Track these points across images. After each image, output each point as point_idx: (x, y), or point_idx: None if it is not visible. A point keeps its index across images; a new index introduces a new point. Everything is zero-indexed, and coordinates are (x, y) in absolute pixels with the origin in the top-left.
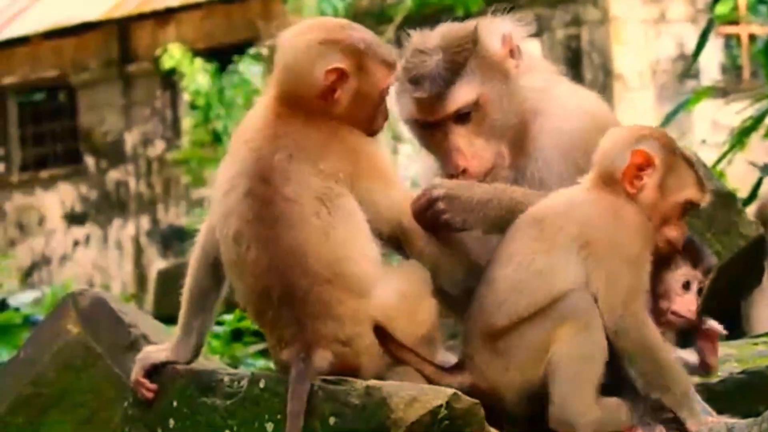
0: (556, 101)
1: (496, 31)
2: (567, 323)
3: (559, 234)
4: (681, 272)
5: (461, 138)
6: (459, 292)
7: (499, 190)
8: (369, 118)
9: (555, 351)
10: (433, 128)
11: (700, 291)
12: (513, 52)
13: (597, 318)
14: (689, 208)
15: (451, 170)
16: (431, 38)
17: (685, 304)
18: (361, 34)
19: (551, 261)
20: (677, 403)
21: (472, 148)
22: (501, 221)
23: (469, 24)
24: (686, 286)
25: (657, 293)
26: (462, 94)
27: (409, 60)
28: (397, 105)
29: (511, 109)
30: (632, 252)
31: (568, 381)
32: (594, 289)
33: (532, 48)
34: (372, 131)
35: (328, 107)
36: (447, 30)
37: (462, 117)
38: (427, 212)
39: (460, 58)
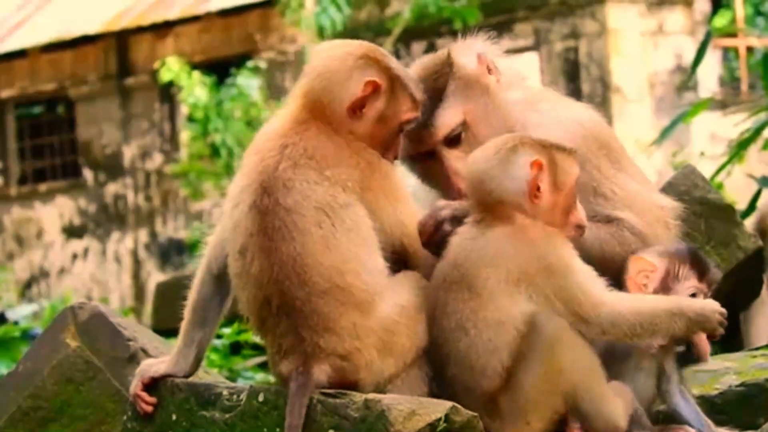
0: (543, 112)
1: (470, 51)
2: (555, 346)
3: (488, 283)
4: (689, 284)
5: (456, 161)
6: None
7: None
8: (384, 145)
9: (564, 376)
10: (427, 158)
11: None
12: (490, 69)
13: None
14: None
15: (453, 194)
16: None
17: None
18: (397, 63)
19: (500, 308)
20: (693, 321)
21: None
22: None
23: (443, 51)
24: (692, 297)
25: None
26: (448, 118)
27: None
28: None
29: (498, 123)
30: (559, 262)
31: (590, 391)
32: (553, 309)
33: (529, 61)
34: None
35: (353, 122)
36: (423, 62)
37: (453, 140)
38: (435, 235)
39: (440, 84)
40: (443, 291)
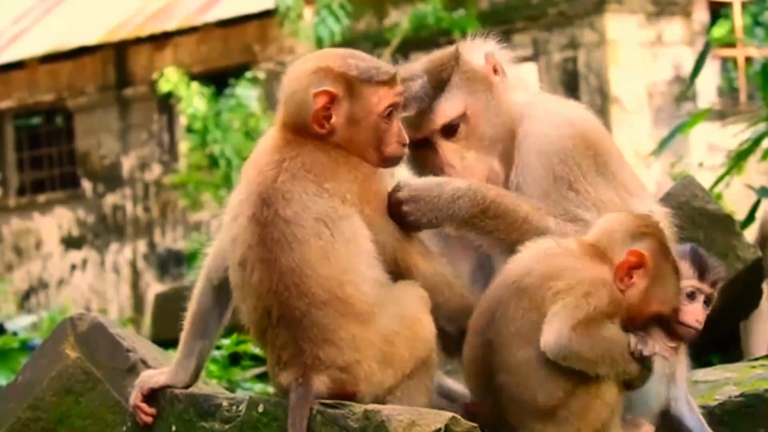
0: (539, 109)
1: (479, 50)
2: None
3: (547, 295)
4: (686, 283)
5: (451, 152)
6: (454, 329)
7: (472, 190)
8: (374, 142)
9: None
10: (423, 146)
11: (708, 302)
12: (496, 70)
13: None
14: (657, 318)
15: None
16: (415, 65)
17: (692, 314)
18: (356, 61)
19: None
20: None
21: (464, 161)
22: (474, 219)
23: (452, 47)
24: (691, 296)
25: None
26: (449, 107)
27: None
28: None
29: (498, 121)
30: (599, 303)
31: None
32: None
33: (528, 71)
34: (386, 157)
35: (328, 133)
36: (431, 55)
37: (450, 131)
38: (393, 214)
39: (444, 75)
40: (508, 294)
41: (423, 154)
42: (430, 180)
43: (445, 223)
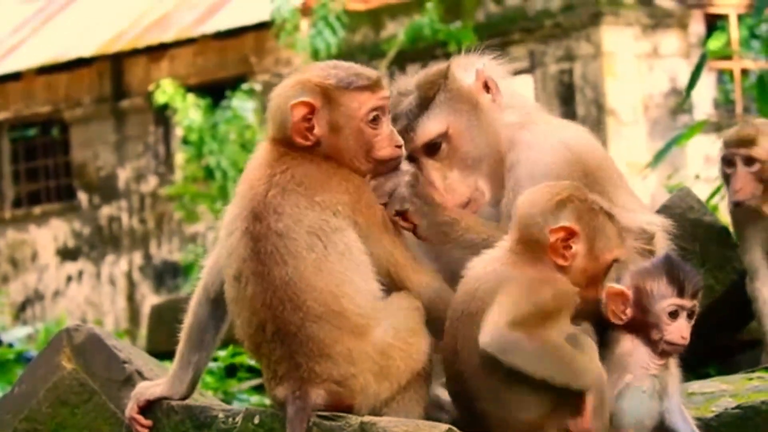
0: (533, 133)
1: (470, 66)
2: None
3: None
4: (667, 302)
5: (434, 171)
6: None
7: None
8: (363, 148)
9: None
10: (410, 161)
11: (691, 315)
12: (488, 87)
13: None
14: (614, 265)
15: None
16: (410, 81)
17: (677, 332)
18: (336, 70)
19: None
20: None
21: (446, 180)
22: (444, 225)
23: (446, 62)
24: (673, 314)
25: (648, 325)
26: (430, 126)
27: (391, 103)
28: None
29: (483, 141)
30: (540, 300)
31: None
32: None
33: (524, 83)
34: (379, 161)
35: (314, 145)
36: (425, 71)
37: (432, 149)
38: (390, 181)
39: (431, 93)
40: (462, 324)
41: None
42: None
43: (422, 219)
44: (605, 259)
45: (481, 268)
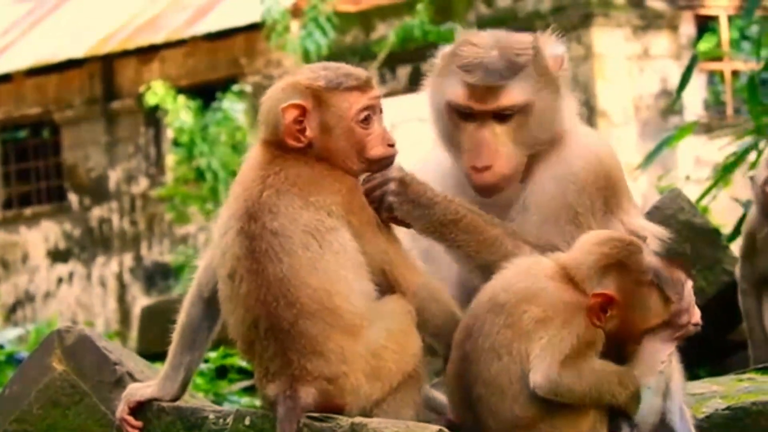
0: (577, 138)
1: (551, 49)
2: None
3: (524, 317)
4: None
5: (496, 136)
6: (442, 345)
7: (447, 199)
8: (355, 148)
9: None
10: (471, 119)
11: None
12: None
13: None
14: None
15: (474, 162)
16: (485, 37)
17: (698, 313)
18: (326, 71)
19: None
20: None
21: (503, 148)
22: (439, 227)
23: (527, 34)
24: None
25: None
26: (515, 93)
27: (462, 49)
28: (436, 89)
29: (550, 128)
30: (579, 331)
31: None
32: None
33: None
34: (372, 161)
35: (307, 146)
36: (502, 35)
37: (504, 116)
38: (377, 190)
39: (521, 60)
40: (486, 309)
41: (465, 125)
42: (420, 178)
43: (416, 221)
44: (639, 328)
45: (526, 268)
